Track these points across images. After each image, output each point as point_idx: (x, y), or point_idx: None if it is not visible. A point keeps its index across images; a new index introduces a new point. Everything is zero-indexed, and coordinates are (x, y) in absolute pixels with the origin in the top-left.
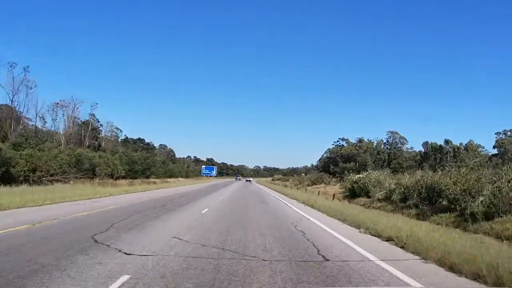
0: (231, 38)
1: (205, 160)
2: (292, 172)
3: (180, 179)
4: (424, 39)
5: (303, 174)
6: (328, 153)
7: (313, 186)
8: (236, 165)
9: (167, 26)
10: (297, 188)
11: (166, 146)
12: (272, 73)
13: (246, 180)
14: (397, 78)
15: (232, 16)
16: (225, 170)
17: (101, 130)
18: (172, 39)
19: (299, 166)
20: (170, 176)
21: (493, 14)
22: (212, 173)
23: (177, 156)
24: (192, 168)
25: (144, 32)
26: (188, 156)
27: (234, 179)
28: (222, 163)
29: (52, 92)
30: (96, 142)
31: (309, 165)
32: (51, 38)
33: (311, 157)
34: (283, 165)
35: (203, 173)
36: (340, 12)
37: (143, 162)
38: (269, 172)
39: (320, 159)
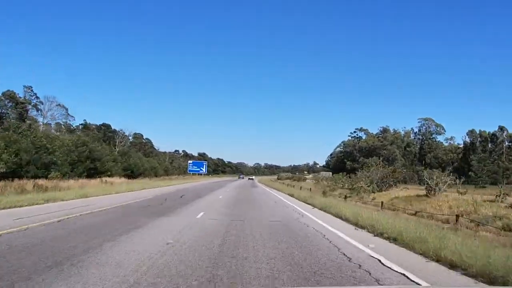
0: (231, 38)
1: (196, 155)
2: (294, 170)
3: (116, 179)
4: (424, 39)
5: (305, 172)
6: (342, 147)
7: (382, 193)
8: (235, 162)
9: (167, 26)
10: (378, 206)
11: (142, 136)
12: (272, 73)
13: (249, 179)
14: (398, 77)
15: (232, 16)
16: (221, 167)
17: (39, 109)
18: (172, 39)
19: (300, 164)
20: (134, 175)
21: (493, 14)
22: (201, 170)
23: (165, 150)
24: (177, 164)
25: (144, 32)
26: (175, 151)
27: (237, 178)
28: (218, 159)
29: (52, 92)
30: (24, 123)
31: (311, 163)
32: (51, 38)
33: (311, 156)
34: (284, 163)
35: (189, 170)
36: (340, 12)
37: (73, 151)
38: (270, 170)
39: (331, 155)
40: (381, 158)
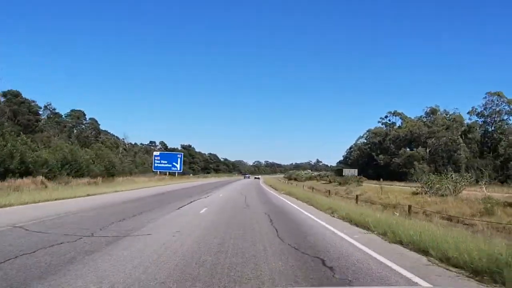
0: (231, 38)
1: (179, 148)
2: (295, 168)
3: None
4: (424, 39)
5: (309, 171)
6: (367, 137)
7: None
8: (232, 160)
9: (167, 26)
10: None
11: (84, 114)
12: (272, 73)
13: (255, 178)
14: (397, 76)
15: (232, 16)
16: (214, 165)
17: None
18: (172, 39)
19: (302, 162)
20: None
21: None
22: (174, 167)
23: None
24: (140, 159)
25: (144, 32)
26: (151, 142)
27: (243, 177)
28: (210, 154)
29: (52, 92)
30: None
31: (313, 161)
32: (51, 38)
33: (313, 154)
34: (284, 161)
35: (155, 168)
36: (340, 12)
37: None
38: (271, 169)
39: (351, 148)
40: (427, 149)
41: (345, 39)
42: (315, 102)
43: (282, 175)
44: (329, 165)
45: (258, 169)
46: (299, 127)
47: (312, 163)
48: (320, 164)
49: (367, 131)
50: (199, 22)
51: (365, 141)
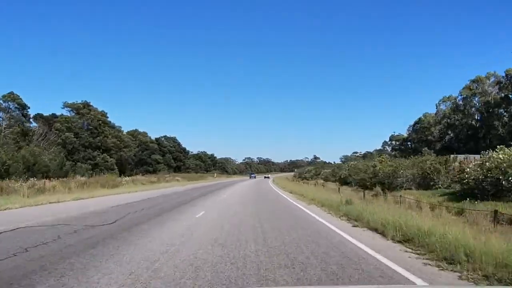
0: (231, 38)
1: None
2: (291, 166)
3: None
4: (424, 38)
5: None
6: (455, 102)
7: None
8: (218, 156)
9: (167, 26)
10: None
11: None
12: (272, 73)
13: (265, 177)
14: (397, 75)
15: (232, 16)
16: (171, 157)
17: None
18: (172, 39)
19: (298, 159)
20: None
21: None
22: None
23: None
24: None
25: (144, 32)
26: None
27: (248, 177)
28: (164, 137)
29: (53, 93)
30: None
31: (310, 157)
32: (51, 38)
33: (309, 150)
34: (277, 158)
35: None
36: (340, 12)
37: None
38: (265, 166)
39: (416, 124)
40: None
41: (345, 39)
42: (315, 100)
43: (284, 174)
44: (327, 161)
45: (250, 167)
46: (298, 126)
47: (309, 159)
48: (318, 160)
49: (471, 81)
50: (199, 22)
51: (456, 105)
